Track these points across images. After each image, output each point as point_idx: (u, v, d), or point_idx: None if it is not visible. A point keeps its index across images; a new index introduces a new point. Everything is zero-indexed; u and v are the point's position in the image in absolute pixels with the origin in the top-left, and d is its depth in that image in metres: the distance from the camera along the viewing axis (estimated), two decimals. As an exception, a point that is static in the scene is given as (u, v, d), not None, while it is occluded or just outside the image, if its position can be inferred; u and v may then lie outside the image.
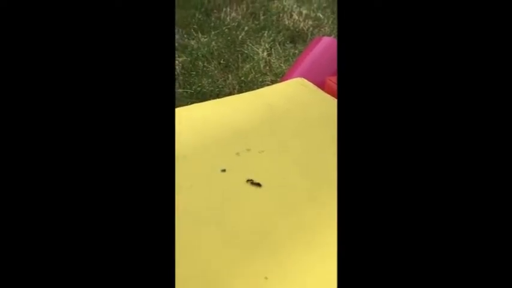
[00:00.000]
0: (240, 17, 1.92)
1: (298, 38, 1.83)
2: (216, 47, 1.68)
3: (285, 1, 2.07)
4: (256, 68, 1.61)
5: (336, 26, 1.92)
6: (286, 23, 1.91)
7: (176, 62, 1.61)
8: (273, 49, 1.72)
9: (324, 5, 2.07)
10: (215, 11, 1.93)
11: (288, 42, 1.79)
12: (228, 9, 1.94)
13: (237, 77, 1.57)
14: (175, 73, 1.57)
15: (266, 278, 0.47)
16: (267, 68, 1.64)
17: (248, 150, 0.67)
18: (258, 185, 0.60)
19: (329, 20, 1.96)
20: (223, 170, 0.63)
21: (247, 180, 0.60)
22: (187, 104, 1.47)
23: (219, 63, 1.62)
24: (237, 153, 0.66)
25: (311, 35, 1.83)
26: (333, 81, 0.90)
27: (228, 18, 1.89)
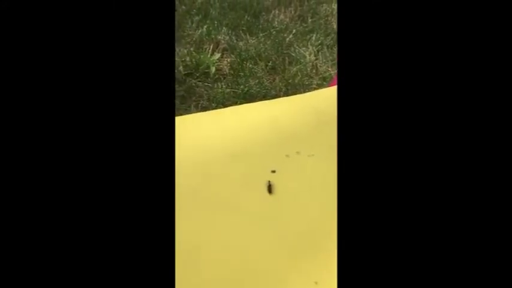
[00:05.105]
0: (288, 19, 1.92)
1: (346, 42, 1.81)
2: (263, 49, 1.69)
3: (334, 4, 2.05)
4: (303, 71, 1.61)
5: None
6: (335, 26, 1.89)
7: (225, 62, 1.63)
8: (320, 52, 1.71)
9: (374, 9, 2.04)
10: (263, 13, 1.93)
11: (335, 46, 1.77)
12: (277, 11, 1.94)
13: (283, 79, 1.57)
14: (224, 73, 1.59)
15: (316, 282, 0.47)
16: (314, 71, 1.63)
17: (298, 153, 0.67)
18: (269, 190, 0.60)
19: (379, 24, 1.92)
20: (273, 171, 0.63)
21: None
22: (234, 103, 1.48)
23: (266, 65, 1.63)
24: (287, 155, 0.66)
25: (360, 40, 1.80)
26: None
27: (276, 20, 1.90)
